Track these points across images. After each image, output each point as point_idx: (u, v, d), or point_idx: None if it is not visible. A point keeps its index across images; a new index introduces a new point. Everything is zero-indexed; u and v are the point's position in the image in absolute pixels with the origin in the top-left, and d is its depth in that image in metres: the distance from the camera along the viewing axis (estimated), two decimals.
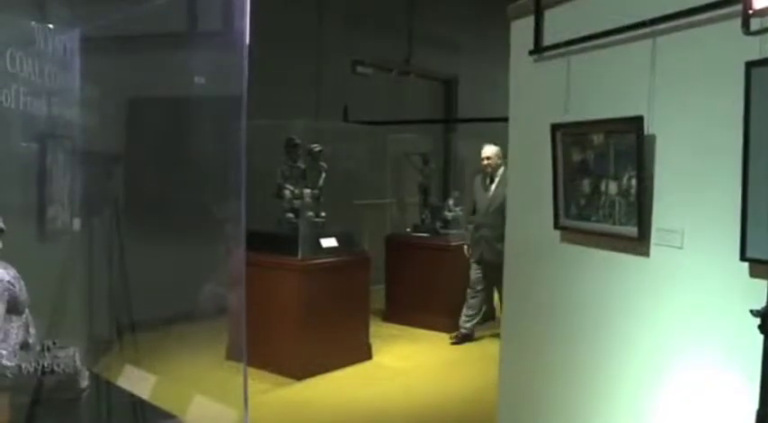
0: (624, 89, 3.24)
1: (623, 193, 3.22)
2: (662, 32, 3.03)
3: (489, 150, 6.92)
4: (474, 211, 7.14)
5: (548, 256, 3.79)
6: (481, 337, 7.00)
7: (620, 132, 3.18)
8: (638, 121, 3.05)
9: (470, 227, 7.15)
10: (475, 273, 7.10)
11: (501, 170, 6.90)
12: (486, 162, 6.91)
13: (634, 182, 3.13)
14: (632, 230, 3.17)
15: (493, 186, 6.94)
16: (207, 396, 2.80)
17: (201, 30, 4.76)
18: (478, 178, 7.14)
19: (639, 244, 3.16)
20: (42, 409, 2.18)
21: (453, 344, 6.98)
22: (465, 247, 7.22)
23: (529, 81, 3.96)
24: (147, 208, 5.10)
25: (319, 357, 5.63)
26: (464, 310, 7.16)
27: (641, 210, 3.12)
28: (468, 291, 7.16)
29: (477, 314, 7.14)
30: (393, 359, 6.21)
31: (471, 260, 7.09)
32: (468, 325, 7.10)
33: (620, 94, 3.26)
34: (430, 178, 8.31)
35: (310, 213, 6.20)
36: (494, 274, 6.42)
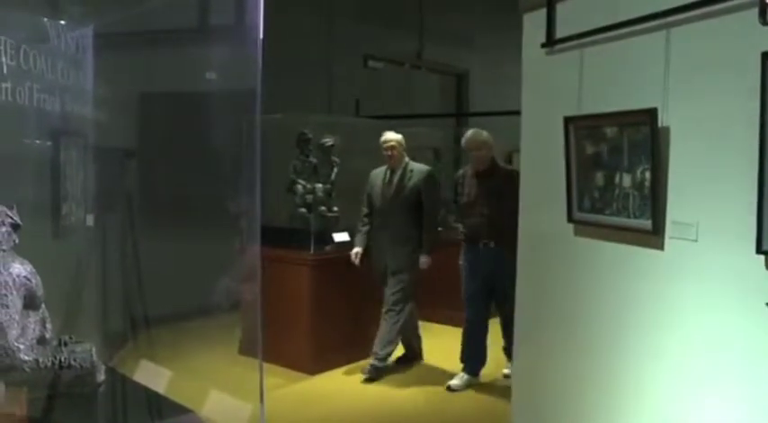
0: (638, 81, 3.22)
1: (637, 185, 3.20)
2: (676, 24, 3.01)
3: (391, 137, 5.84)
4: (369, 213, 5.95)
5: (561, 250, 3.78)
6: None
7: (634, 125, 3.16)
8: (651, 114, 3.04)
9: (363, 229, 5.94)
10: (387, 289, 5.80)
11: (406, 161, 5.87)
12: (388, 152, 5.80)
13: (648, 174, 3.12)
14: (646, 223, 3.16)
15: (395, 178, 5.81)
16: (222, 391, 2.81)
17: (214, 25, 4.77)
18: (376, 171, 6.00)
19: (654, 237, 3.14)
20: (59, 403, 2.19)
21: (367, 381, 5.59)
22: (353, 253, 5.86)
23: (541, 74, 3.95)
24: (161, 203, 5.12)
25: (332, 352, 5.64)
26: (378, 335, 5.80)
27: (655, 203, 3.10)
28: (383, 313, 5.83)
29: (393, 341, 5.77)
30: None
31: (374, 272, 5.88)
32: (383, 353, 5.73)
33: (633, 86, 3.24)
34: (441, 173, 8.29)
35: (323, 208, 6.20)
36: (407, 287, 5.69)
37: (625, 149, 3.26)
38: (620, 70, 3.35)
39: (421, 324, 6.32)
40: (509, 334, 5.20)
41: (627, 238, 3.32)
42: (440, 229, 6.40)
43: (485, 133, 5.46)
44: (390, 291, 5.70)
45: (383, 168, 5.92)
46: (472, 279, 5.49)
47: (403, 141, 5.82)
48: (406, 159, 5.85)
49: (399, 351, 5.99)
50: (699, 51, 2.95)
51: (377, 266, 5.82)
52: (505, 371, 5.54)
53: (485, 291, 5.48)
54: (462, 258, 5.60)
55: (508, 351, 5.49)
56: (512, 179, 4.92)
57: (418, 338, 6.13)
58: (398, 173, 5.78)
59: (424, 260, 5.66)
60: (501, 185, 5.20)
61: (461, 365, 5.52)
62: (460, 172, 5.84)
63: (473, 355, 5.54)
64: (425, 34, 9.59)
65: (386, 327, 5.70)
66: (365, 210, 5.94)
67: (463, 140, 5.44)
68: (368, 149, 7.68)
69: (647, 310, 3.22)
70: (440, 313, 7.32)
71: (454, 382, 5.37)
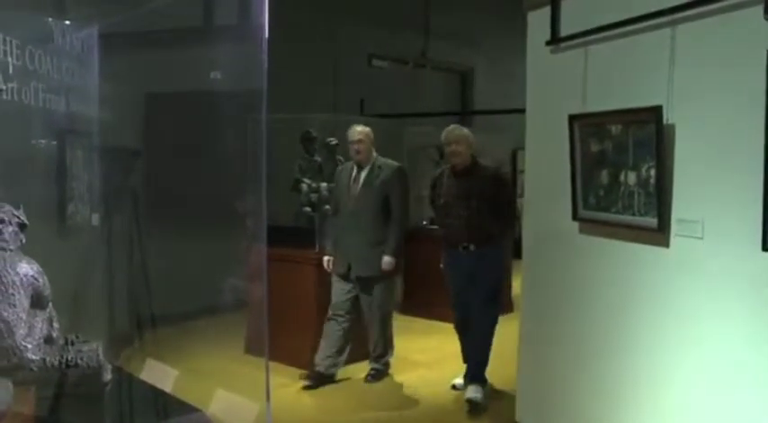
0: (643, 79, 3.22)
1: (642, 183, 3.20)
2: (681, 21, 3.01)
3: (359, 132, 5.28)
4: (335, 212, 5.50)
5: (566, 248, 3.78)
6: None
7: (639, 122, 3.16)
8: (657, 111, 3.04)
9: (333, 232, 5.48)
10: (339, 292, 5.32)
11: (375, 158, 5.33)
12: (356, 147, 5.25)
13: (653, 172, 3.12)
14: (652, 221, 3.16)
15: (362, 177, 5.29)
16: (228, 389, 2.81)
17: (219, 25, 4.77)
18: (343, 169, 5.54)
19: (659, 235, 3.15)
20: (66, 402, 2.20)
21: (306, 388, 5.21)
22: (326, 259, 5.40)
23: (546, 72, 3.95)
24: (166, 203, 5.12)
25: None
26: (322, 344, 5.35)
27: (661, 200, 3.10)
28: (328, 319, 5.37)
29: (340, 353, 5.34)
30: (411, 351, 6.20)
31: (333, 275, 5.39)
32: (329, 363, 5.30)
33: (638, 83, 3.24)
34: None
35: (327, 207, 6.20)
36: (370, 295, 5.25)
37: (630, 147, 3.26)
38: (625, 68, 3.35)
39: (431, 323, 6.31)
40: (478, 354, 4.99)
41: (632, 235, 3.32)
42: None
43: (466, 130, 5.05)
44: (342, 298, 5.28)
45: (349, 165, 5.46)
46: (456, 281, 5.08)
47: (371, 135, 5.33)
48: (375, 155, 5.35)
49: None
50: (704, 49, 2.95)
51: (338, 269, 5.29)
52: (469, 394, 4.86)
53: (465, 287, 5.03)
54: (443, 262, 5.20)
55: (472, 375, 4.98)
56: (496, 180, 4.96)
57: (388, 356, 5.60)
58: (366, 169, 5.29)
59: (387, 260, 5.16)
60: (482, 186, 4.84)
61: (465, 365, 5.18)
62: (438, 171, 5.42)
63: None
64: (430, 33, 9.59)
65: (332, 334, 5.30)
66: (332, 210, 5.54)
67: (443, 135, 5.01)
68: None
69: (653, 307, 3.22)
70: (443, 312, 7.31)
71: (459, 381, 5.20)
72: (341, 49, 8.42)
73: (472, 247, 4.89)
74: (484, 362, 5.00)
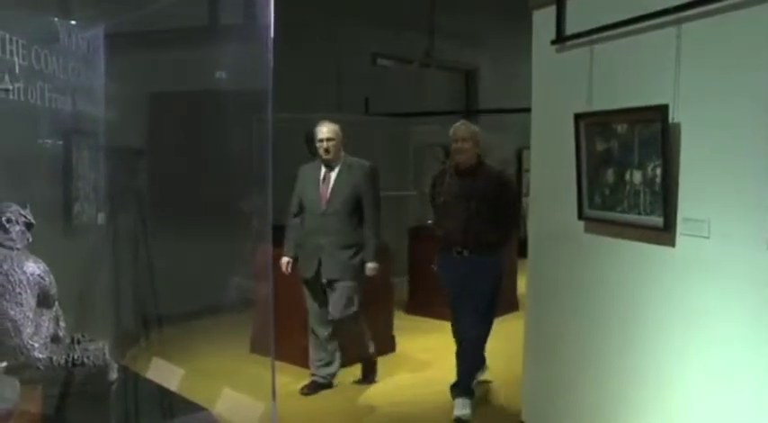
0: (648, 77, 3.21)
1: (648, 182, 3.20)
2: (687, 19, 3.00)
3: (329, 129, 4.94)
4: (298, 213, 5.10)
5: (572, 247, 3.78)
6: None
7: (645, 121, 3.16)
8: (662, 110, 3.03)
9: (293, 235, 5.09)
10: (313, 304, 5.10)
11: (343, 157, 5.02)
12: (325, 145, 4.90)
13: (659, 171, 3.11)
14: (657, 220, 3.15)
15: (333, 176, 4.97)
16: (233, 389, 2.82)
17: (224, 25, 4.77)
18: (308, 167, 5.13)
19: (665, 234, 3.14)
20: (72, 400, 2.20)
21: (305, 394, 5.06)
22: (284, 261, 5.06)
23: (551, 71, 3.95)
24: (172, 202, 5.13)
25: (342, 349, 5.64)
26: (312, 356, 5.21)
27: (666, 199, 3.10)
28: (312, 331, 5.19)
29: (333, 359, 5.19)
30: (416, 351, 6.20)
31: (303, 279, 5.07)
32: (324, 372, 5.17)
33: (644, 82, 3.24)
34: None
35: None
36: (340, 297, 4.94)
37: (636, 146, 3.25)
38: (631, 67, 3.34)
39: (435, 323, 6.30)
40: (467, 366, 4.77)
41: (638, 234, 3.31)
42: None
43: (476, 127, 4.79)
44: (318, 303, 5.03)
45: (315, 164, 5.08)
46: (450, 286, 4.77)
47: (341, 133, 4.99)
48: (343, 153, 5.02)
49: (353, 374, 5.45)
50: (710, 48, 2.94)
51: (305, 273, 5.00)
52: (457, 412, 4.62)
53: (460, 294, 4.72)
54: (436, 263, 4.90)
55: (460, 388, 4.73)
56: (500, 182, 4.69)
57: (371, 355, 5.43)
58: (336, 170, 4.97)
59: (371, 266, 4.97)
60: (485, 187, 4.58)
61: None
62: (441, 168, 5.15)
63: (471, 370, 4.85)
64: (434, 32, 9.58)
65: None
66: (294, 211, 5.10)
67: (451, 130, 4.74)
68: (378, 147, 7.69)
69: (659, 306, 3.22)
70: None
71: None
72: (345, 48, 8.42)
73: (466, 253, 4.62)
74: (473, 374, 4.81)
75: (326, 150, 4.91)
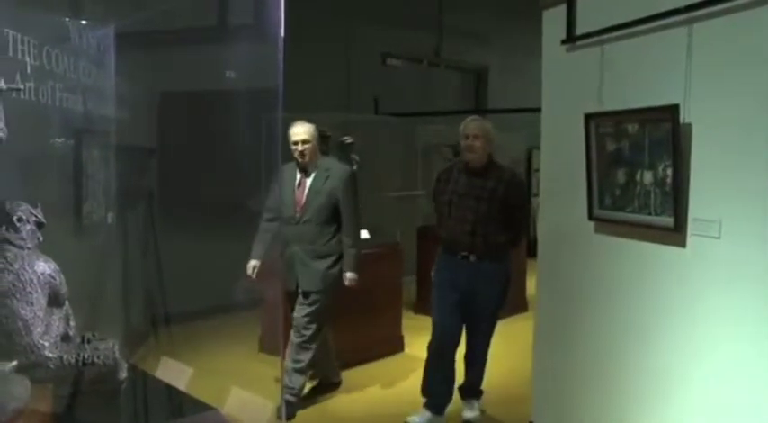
0: (659, 77, 3.20)
1: (659, 182, 3.19)
2: (698, 19, 2.99)
3: (303, 130, 4.51)
4: (272, 218, 4.73)
5: (582, 247, 3.76)
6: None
7: (656, 121, 3.15)
8: (673, 110, 3.02)
9: (263, 238, 4.72)
10: (298, 309, 4.62)
11: (319, 159, 4.64)
12: (300, 148, 4.49)
13: (670, 171, 3.10)
14: (668, 221, 3.14)
15: (309, 181, 4.59)
16: (243, 387, 2.82)
17: (234, 24, 4.77)
18: (289, 168, 4.65)
19: (675, 234, 3.13)
20: (83, 399, 2.21)
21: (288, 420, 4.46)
22: (250, 266, 4.67)
23: (561, 71, 3.93)
24: (182, 201, 5.14)
25: (351, 349, 5.64)
26: (289, 363, 4.52)
27: (677, 200, 3.08)
28: (294, 337, 4.62)
29: (305, 372, 4.61)
30: (425, 351, 6.20)
31: (286, 289, 4.69)
32: (297, 389, 4.55)
33: (655, 82, 3.22)
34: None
35: None
36: (310, 307, 4.58)
37: (646, 146, 3.24)
38: (642, 66, 3.33)
39: None
40: (476, 369, 4.66)
41: (648, 235, 3.30)
42: None
43: (487, 123, 4.44)
44: (300, 314, 4.59)
45: (291, 166, 4.66)
46: (446, 290, 4.43)
47: (316, 134, 4.59)
48: (319, 156, 4.65)
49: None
50: (721, 47, 2.93)
51: (288, 286, 4.65)
52: (467, 414, 4.61)
53: (459, 306, 4.39)
54: (435, 269, 4.58)
55: (469, 390, 4.68)
56: (511, 183, 4.33)
57: (335, 368, 5.19)
58: (312, 174, 4.60)
59: (351, 277, 4.68)
60: (495, 188, 4.25)
61: (422, 400, 4.55)
62: (448, 165, 4.78)
63: (438, 387, 4.51)
64: (444, 32, 9.57)
65: (295, 356, 4.54)
66: (267, 215, 4.74)
67: (462, 125, 4.37)
68: (387, 147, 7.69)
69: (669, 307, 3.20)
70: None
71: (413, 418, 4.47)
72: (354, 48, 8.42)
73: (473, 258, 4.30)
74: (481, 376, 4.69)
75: (302, 154, 4.53)
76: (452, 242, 4.38)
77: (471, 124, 4.33)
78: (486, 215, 4.25)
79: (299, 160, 4.55)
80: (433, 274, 4.59)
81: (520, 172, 6.26)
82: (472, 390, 4.69)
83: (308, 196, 4.58)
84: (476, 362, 4.65)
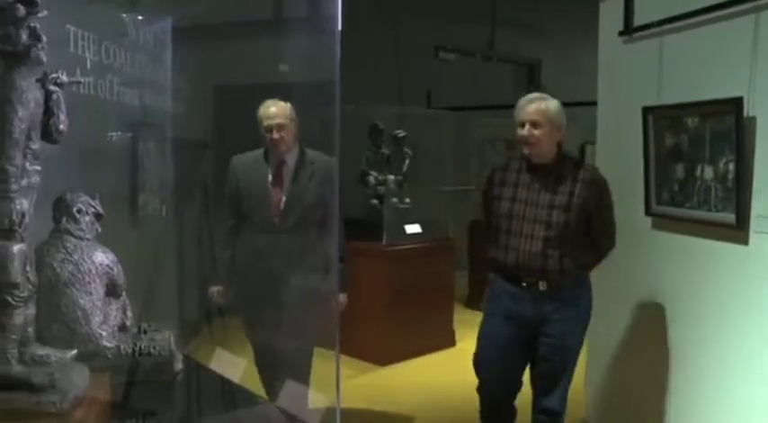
0: (722, 69, 3.11)
1: (720, 178, 3.10)
2: (766, 8, 2.89)
3: (278, 112, 3.54)
4: (234, 227, 3.72)
5: (638, 244, 3.69)
6: None
7: (718, 114, 3.07)
8: (737, 103, 2.93)
9: (228, 255, 3.74)
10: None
11: (296, 150, 3.64)
12: (275, 135, 3.52)
13: (732, 166, 3.02)
14: (729, 217, 3.06)
15: (288, 176, 3.61)
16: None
17: (290, 17, 4.79)
18: (246, 160, 3.73)
19: (737, 231, 3.04)
20: (138, 389, 2.24)
21: None
22: (214, 290, 3.81)
23: (618, 63, 3.87)
24: None
25: (403, 343, 5.65)
26: None
27: (739, 195, 3.00)
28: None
29: None
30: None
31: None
32: None
33: (717, 74, 3.14)
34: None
35: (395, 199, 6.19)
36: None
37: (707, 140, 3.16)
38: (703, 58, 3.24)
39: None
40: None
41: (709, 232, 3.21)
42: None
43: (553, 102, 3.20)
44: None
45: (255, 157, 3.70)
46: (501, 335, 3.34)
47: (295, 115, 3.60)
48: (297, 148, 3.66)
49: None
50: None
51: (244, 307, 3.81)
52: None
53: (521, 347, 3.33)
54: (487, 301, 3.59)
55: None
56: (595, 184, 3.22)
57: None
58: (292, 165, 3.61)
59: (343, 299, 3.75)
60: (575, 191, 3.17)
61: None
62: (503, 162, 3.55)
63: None
64: (497, 24, 9.49)
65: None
66: (230, 220, 3.73)
67: (516, 108, 3.25)
68: (439, 141, 7.65)
69: (731, 306, 3.12)
70: None
71: None
72: (407, 40, 8.39)
73: (543, 286, 3.21)
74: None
75: (278, 142, 3.53)
76: (515, 267, 3.27)
77: (529, 107, 3.19)
78: (563, 228, 3.17)
79: (278, 148, 3.57)
80: (483, 304, 3.68)
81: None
82: None
83: (289, 194, 3.59)
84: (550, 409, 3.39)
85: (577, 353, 3.36)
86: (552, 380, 3.32)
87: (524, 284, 3.25)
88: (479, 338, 3.46)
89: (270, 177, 3.62)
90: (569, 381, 3.37)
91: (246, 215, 3.66)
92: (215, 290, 3.80)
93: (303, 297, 3.54)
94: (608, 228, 3.30)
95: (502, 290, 3.35)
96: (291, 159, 3.62)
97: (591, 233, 3.25)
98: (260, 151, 3.67)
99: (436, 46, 9.12)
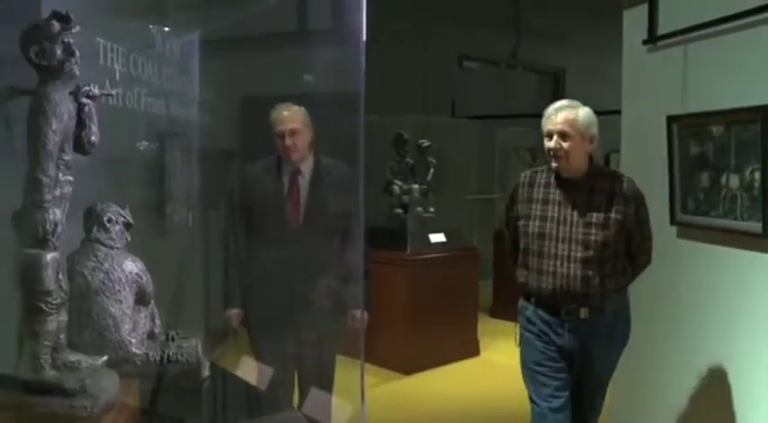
0: (747, 77, 3.10)
1: (746, 186, 3.09)
2: None
3: (292, 114, 3.40)
4: (229, 245, 3.63)
5: (663, 253, 3.66)
6: None
7: (744, 123, 3.05)
8: (763, 111, 2.92)
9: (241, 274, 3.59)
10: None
11: (311, 159, 3.47)
12: (288, 141, 3.35)
13: (758, 175, 3.01)
14: (756, 226, 3.04)
15: (305, 183, 3.44)
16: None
17: (316, 29, 4.83)
18: (254, 168, 3.62)
19: (764, 241, 3.02)
20: (166, 395, 2.27)
21: None
22: (234, 313, 3.60)
23: (643, 72, 3.86)
24: None
25: (427, 352, 5.65)
26: None
27: (765, 204, 2.99)
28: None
29: None
30: (501, 356, 6.14)
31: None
32: None
33: (743, 82, 3.13)
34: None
35: (419, 208, 6.21)
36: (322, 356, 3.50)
37: (732, 148, 3.15)
38: (729, 66, 3.23)
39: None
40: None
41: (734, 241, 3.20)
42: None
43: (583, 110, 2.98)
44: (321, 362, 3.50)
45: (267, 165, 3.52)
46: (541, 346, 3.10)
47: (310, 120, 3.42)
48: (311, 156, 3.48)
49: None
50: None
51: (258, 338, 3.56)
52: None
53: (567, 380, 3.11)
54: (521, 331, 3.26)
55: None
56: (633, 197, 3.04)
57: None
58: (307, 173, 3.43)
59: (360, 316, 3.40)
60: (612, 206, 2.97)
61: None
62: (525, 176, 3.23)
63: None
64: (521, 33, 9.49)
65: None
66: (233, 236, 3.59)
67: (544, 117, 3.03)
68: (464, 150, 7.65)
69: (758, 317, 3.09)
70: None
71: None
72: (431, 50, 8.42)
73: (584, 314, 3.00)
74: None
75: (290, 148, 3.34)
76: (551, 295, 3.04)
77: (556, 117, 2.96)
78: (602, 248, 2.95)
79: (288, 157, 3.39)
80: (517, 329, 3.34)
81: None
82: None
83: (307, 203, 3.41)
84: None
85: (612, 371, 3.25)
86: (590, 405, 3.24)
87: (563, 312, 3.01)
88: (525, 377, 3.19)
89: (285, 190, 3.42)
90: (603, 398, 3.30)
91: (258, 230, 3.44)
92: (233, 313, 3.58)
93: (328, 312, 3.41)
94: (646, 243, 3.14)
95: (535, 320, 3.10)
96: (307, 169, 3.44)
97: (629, 250, 3.09)
98: (271, 159, 3.46)
99: (460, 55, 9.14)
